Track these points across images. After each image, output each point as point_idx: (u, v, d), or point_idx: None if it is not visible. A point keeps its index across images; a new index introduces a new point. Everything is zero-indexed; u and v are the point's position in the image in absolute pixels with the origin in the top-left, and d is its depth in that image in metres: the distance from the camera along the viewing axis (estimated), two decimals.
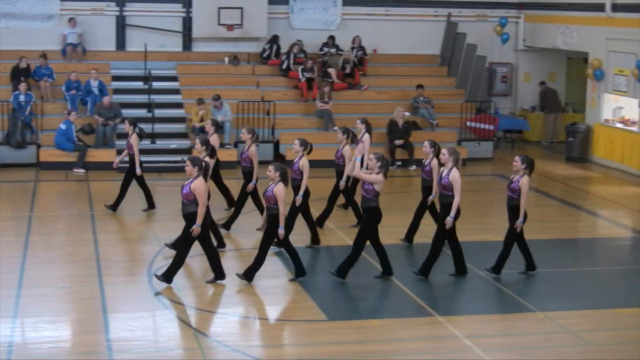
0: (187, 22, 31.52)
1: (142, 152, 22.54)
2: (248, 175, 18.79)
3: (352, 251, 15.91)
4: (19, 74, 28.36)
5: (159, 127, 27.88)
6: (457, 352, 13.19)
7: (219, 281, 15.64)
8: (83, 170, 25.72)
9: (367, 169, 16.41)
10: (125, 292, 15.36)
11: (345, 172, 18.77)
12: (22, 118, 26.92)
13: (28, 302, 14.79)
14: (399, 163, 27.63)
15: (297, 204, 17.55)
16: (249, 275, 15.66)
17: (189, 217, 15.11)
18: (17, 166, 25.74)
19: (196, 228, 15.01)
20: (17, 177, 24.71)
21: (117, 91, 29.33)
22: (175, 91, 30.03)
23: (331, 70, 30.46)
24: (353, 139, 19.71)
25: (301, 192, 17.48)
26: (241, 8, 31.00)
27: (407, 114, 28.51)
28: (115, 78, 30.12)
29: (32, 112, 27.23)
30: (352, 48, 31.46)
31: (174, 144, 27.38)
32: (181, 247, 15.50)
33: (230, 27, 31.12)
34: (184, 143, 27.58)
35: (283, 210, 15.27)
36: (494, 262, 16.38)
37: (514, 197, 15.92)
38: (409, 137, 27.70)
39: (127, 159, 21.20)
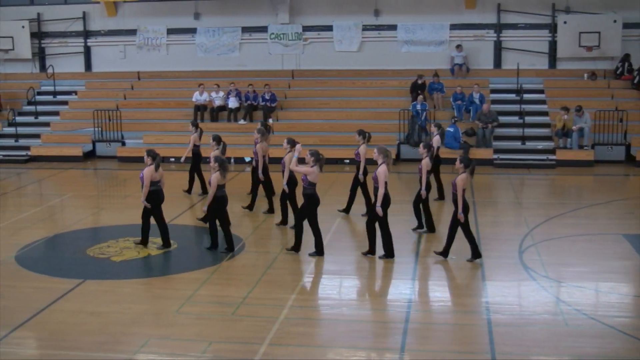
0: (553, 45, 30.81)
1: (512, 151, 21.86)
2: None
3: (296, 230, 15.68)
4: (416, 88, 29.02)
5: (528, 131, 27.46)
6: None
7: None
8: None
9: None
10: (499, 264, 15.12)
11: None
12: (418, 123, 27.49)
13: (423, 269, 15.00)
14: None
15: (286, 191, 17.46)
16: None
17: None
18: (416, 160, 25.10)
19: (144, 203, 15.78)
20: (410, 169, 24.76)
21: (494, 101, 29.25)
22: (542, 102, 29.45)
23: None
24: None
25: (284, 182, 17.39)
26: (599, 32, 29.86)
27: None
28: (493, 91, 30.09)
29: (426, 118, 27.69)
30: None
31: (540, 145, 26.78)
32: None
33: (589, 48, 30.06)
34: (548, 144, 26.98)
35: (212, 193, 15.28)
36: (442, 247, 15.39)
37: (454, 193, 14.78)
38: None
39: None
